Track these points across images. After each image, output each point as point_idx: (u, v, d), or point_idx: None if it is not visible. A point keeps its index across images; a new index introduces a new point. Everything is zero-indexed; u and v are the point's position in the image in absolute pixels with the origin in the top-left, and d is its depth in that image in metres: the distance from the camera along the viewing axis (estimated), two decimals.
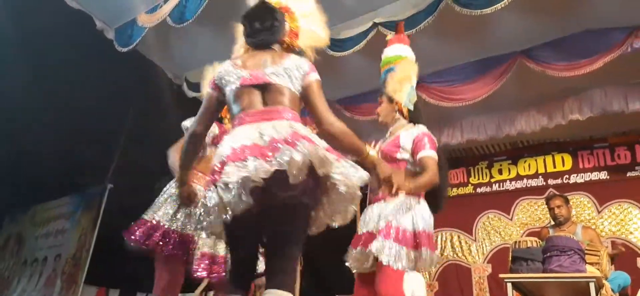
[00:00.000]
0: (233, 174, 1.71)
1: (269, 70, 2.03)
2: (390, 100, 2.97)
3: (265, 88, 2.01)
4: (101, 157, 7.25)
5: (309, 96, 2.06)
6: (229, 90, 2.05)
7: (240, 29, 2.27)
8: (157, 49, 5.46)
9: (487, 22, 4.37)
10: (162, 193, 2.95)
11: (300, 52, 2.24)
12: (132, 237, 2.77)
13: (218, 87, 2.10)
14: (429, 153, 2.76)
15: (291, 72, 2.05)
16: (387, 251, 2.48)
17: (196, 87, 5.72)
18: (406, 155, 2.83)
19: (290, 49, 2.22)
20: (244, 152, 1.76)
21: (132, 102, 7.04)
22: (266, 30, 2.14)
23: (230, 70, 2.07)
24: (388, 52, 3.33)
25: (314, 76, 2.10)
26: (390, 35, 4.41)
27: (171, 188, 2.93)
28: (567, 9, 4.32)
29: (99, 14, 5.27)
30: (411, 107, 2.97)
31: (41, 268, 7.94)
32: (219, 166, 1.81)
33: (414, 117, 3.00)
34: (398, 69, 3.08)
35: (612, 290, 3.96)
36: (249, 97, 2.00)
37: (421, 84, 5.36)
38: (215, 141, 2.95)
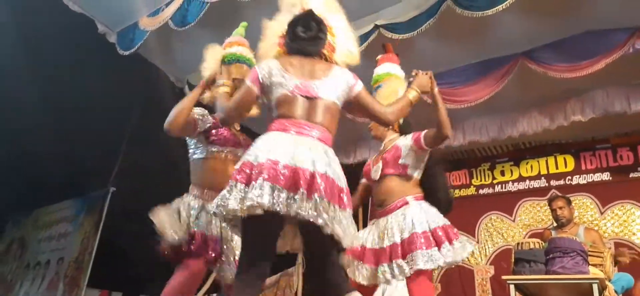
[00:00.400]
0: (264, 196, 1.80)
1: (318, 83, 2.12)
2: None
3: (311, 100, 2.09)
4: (104, 160, 7.27)
5: (361, 105, 2.23)
6: (277, 92, 2.10)
7: (271, 29, 2.37)
8: (159, 52, 5.47)
9: (489, 23, 4.37)
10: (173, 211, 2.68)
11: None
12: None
13: (261, 84, 2.14)
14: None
15: (338, 85, 2.17)
16: (421, 259, 2.62)
17: None
18: (408, 160, 2.94)
19: (327, 61, 2.28)
20: (277, 177, 1.84)
21: (135, 105, 7.06)
22: (311, 39, 2.22)
23: (280, 72, 2.13)
24: (377, 71, 3.38)
25: (360, 85, 2.23)
26: (393, 36, 4.45)
27: (184, 200, 2.73)
28: (568, 10, 4.32)
29: (101, 18, 5.29)
30: (401, 121, 3.07)
31: (44, 271, 7.96)
32: (254, 168, 1.89)
33: (404, 130, 3.10)
34: (385, 85, 3.17)
35: (616, 292, 3.96)
36: (295, 105, 2.08)
37: None
38: (211, 138, 2.76)
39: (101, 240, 7.01)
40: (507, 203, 6.67)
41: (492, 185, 6.86)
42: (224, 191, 1.92)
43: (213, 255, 2.61)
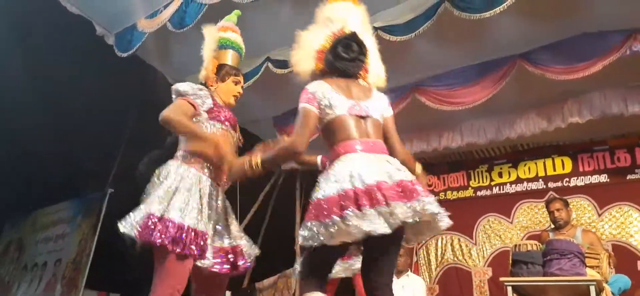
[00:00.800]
0: (402, 214, 1.92)
1: (368, 102, 2.27)
2: None
3: (365, 119, 2.23)
4: (102, 162, 7.27)
5: (387, 128, 2.36)
6: (334, 113, 2.20)
7: (307, 41, 2.44)
8: (157, 54, 5.47)
9: (486, 25, 4.37)
10: (160, 184, 2.44)
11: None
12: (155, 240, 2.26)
13: (318, 105, 2.22)
14: None
15: (379, 105, 2.33)
16: None
17: None
18: None
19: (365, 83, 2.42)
20: (396, 193, 1.96)
21: (132, 107, 7.06)
22: (354, 61, 2.31)
23: (332, 94, 2.22)
24: None
25: (391, 111, 2.43)
26: (391, 38, 4.45)
27: (171, 177, 2.44)
28: (565, 13, 4.33)
29: (99, 20, 5.29)
30: None
31: (41, 272, 7.94)
32: (366, 192, 1.94)
33: None
34: None
35: (613, 293, 3.97)
36: (354, 125, 2.20)
37: (421, 87, 5.39)
38: (212, 114, 2.63)
39: (99, 242, 7.00)
40: (504, 204, 6.67)
41: (490, 187, 6.87)
42: (353, 217, 1.91)
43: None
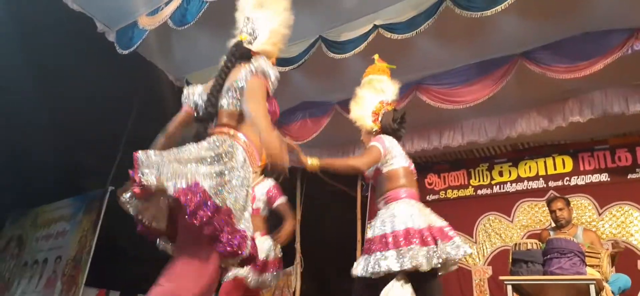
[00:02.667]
0: (460, 249, 2.85)
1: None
2: None
3: (414, 175, 3.20)
4: (103, 160, 7.28)
5: None
6: (399, 163, 3.11)
7: (365, 101, 3.47)
8: (158, 51, 5.47)
9: (487, 24, 4.38)
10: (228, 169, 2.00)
11: None
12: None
13: (384, 152, 3.08)
14: None
15: None
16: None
17: None
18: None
19: None
20: (446, 235, 2.90)
21: (134, 104, 7.06)
22: (403, 130, 3.38)
23: (399, 149, 3.18)
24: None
25: None
26: (392, 36, 4.46)
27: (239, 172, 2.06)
28: (567, 11, 4.33)
29: (100, 16, 5.29)
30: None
31: (41, 269, 7.96)
32: (425, 231, 2.80)
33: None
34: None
35: (613, 293, 3.97)
36: (412, 176, 3.15)
37: (422, 85, 5.39)
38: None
39: (99, 239, 7.02)
40: (505, 203, 6.67)
41: (490, 186, 6.86)
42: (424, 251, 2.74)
43: None
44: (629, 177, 5.92)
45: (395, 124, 3.29)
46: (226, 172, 1.97)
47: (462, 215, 6.66)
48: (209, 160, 1.96)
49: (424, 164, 7.28)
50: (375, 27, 4.60)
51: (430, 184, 7.21)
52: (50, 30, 5.62)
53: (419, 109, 5.46)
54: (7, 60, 5.84)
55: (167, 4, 4.89)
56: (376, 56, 3.75)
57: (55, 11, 4.97)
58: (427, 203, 6.94)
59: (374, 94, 3.45)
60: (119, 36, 5.35)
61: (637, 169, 5.88)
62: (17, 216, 9.53)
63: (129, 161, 1.96)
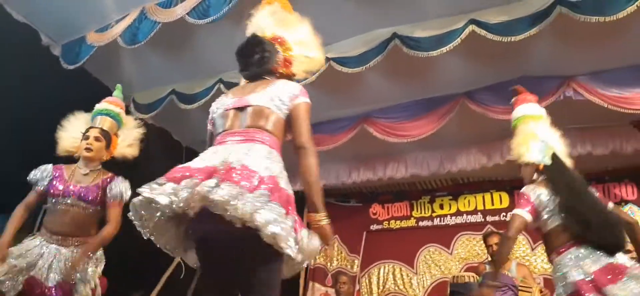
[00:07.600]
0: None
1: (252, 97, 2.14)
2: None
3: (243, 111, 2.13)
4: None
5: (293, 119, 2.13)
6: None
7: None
8: (106, 68, 5.33)
9: (433, 64, 4.55)
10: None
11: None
12: None
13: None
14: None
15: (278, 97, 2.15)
16: None
17: (143, 108, 5.62)
18: None
19: (285, 76, 2.32)
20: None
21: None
22: (255, 63, 2.26)
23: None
24: (513, 115, 3.72)
25: (302, 99, 2.16)
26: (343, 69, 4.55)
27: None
28: (507, 56, 4.55)
29: (46, 29, 5.11)
30: (548, 162, 3.32)
31: None
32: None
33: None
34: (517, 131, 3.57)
35: None
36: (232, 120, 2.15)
37: (369, 118, 5.51)
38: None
39: None
40: (445, 235, 6.86)
41: (431, 218, 7.05)
42: None
43: None
44: None
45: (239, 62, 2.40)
46: None
47: (404, 246, 6.79)
48: None
49: (369, 195, 7.39)
50: (327, 59, 4.68)
51: (374, 213, 7.32)
52: None
53: (366, 140, 5.57)
54: None
55: (117, 22, 4.80)
56: None
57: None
58: (371, 233, 7.14)
59: None
60: (65, 50, 5.18)
61: None
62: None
63: None
